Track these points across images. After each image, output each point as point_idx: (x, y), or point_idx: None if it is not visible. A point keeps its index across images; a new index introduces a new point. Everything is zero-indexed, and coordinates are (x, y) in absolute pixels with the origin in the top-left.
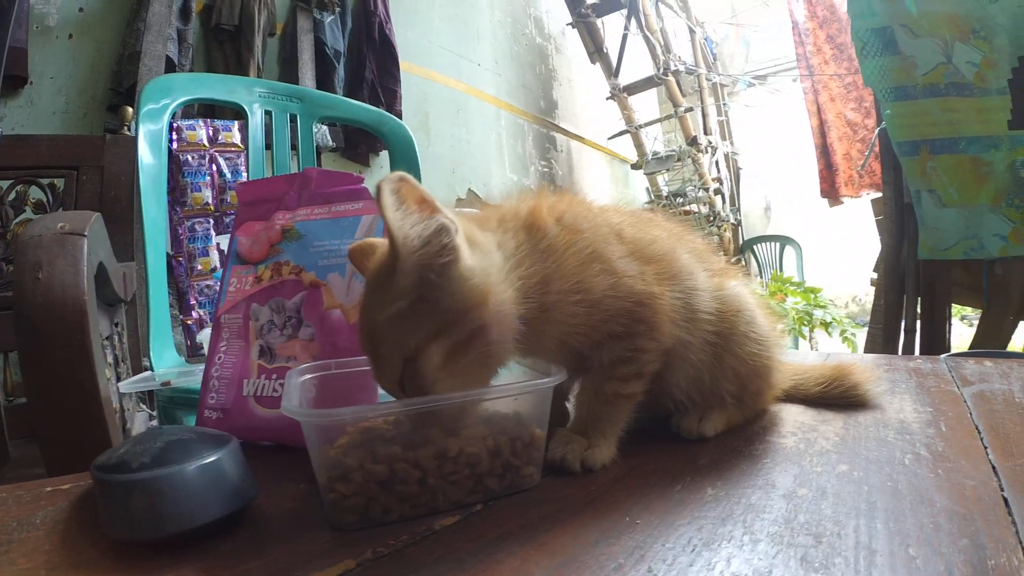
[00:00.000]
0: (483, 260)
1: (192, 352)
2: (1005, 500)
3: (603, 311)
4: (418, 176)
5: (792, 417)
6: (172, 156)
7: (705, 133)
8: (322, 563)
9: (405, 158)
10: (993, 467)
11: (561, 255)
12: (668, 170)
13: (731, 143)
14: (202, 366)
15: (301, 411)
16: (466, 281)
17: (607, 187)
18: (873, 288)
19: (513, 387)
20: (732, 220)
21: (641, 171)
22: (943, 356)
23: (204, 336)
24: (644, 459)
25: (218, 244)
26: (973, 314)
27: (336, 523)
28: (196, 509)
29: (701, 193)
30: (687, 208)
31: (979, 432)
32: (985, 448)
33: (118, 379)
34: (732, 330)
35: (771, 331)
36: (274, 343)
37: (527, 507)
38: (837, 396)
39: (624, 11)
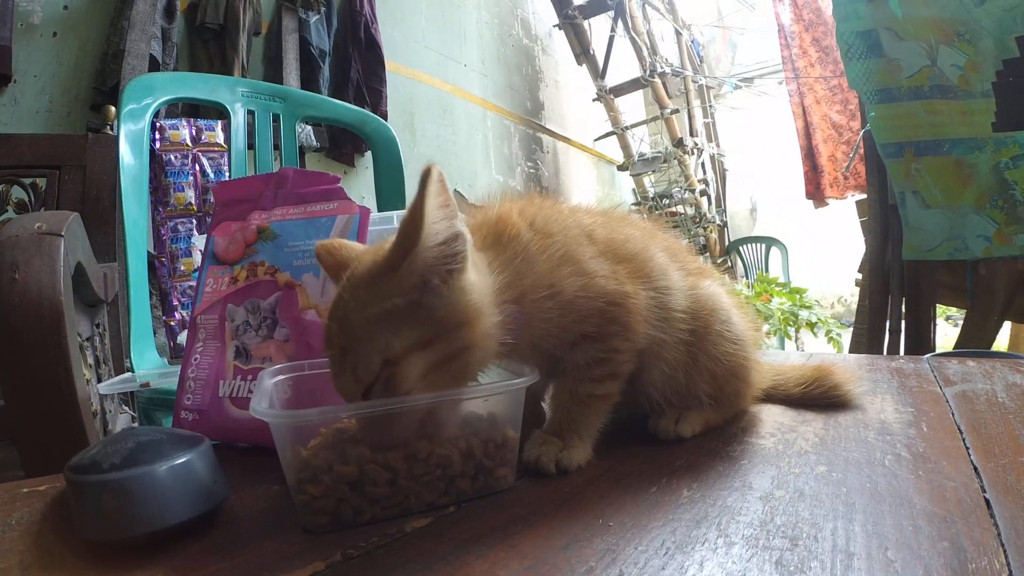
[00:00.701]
0: (480, 279)
1: (175, 353)
2: (987, 501)
3: (575, 312)
4: (402, 177)
5: (772, 418)
6: (155, 156)
7: (691, 135)
8: (291, 564)
9: (389, 159)
10: (975, 468)
11: (534, 262)
12: (654, 172)
13: (717, 145)
14: None
15: (269, 412)
16: (464, 295)
17: (593, 188)
18: (858, 289)
19: (486, 388)
20: (718, 221)
21: (627, 172)
22: (926, 356)
23: (184, 338)
24: (620, 460)
25: (196, 245)
26: (958, 314)
27: (307, 525)
28: (166, 510)
29: (687, 195)
30: (673, 209)
31: (961, 432)
32: (967, 448)
33: (100, 380)
34: (707, 329)
35: (748, 331)
36: (250, 344)
37: (500, 509)
38: (818, 396)
39: (611, 13)
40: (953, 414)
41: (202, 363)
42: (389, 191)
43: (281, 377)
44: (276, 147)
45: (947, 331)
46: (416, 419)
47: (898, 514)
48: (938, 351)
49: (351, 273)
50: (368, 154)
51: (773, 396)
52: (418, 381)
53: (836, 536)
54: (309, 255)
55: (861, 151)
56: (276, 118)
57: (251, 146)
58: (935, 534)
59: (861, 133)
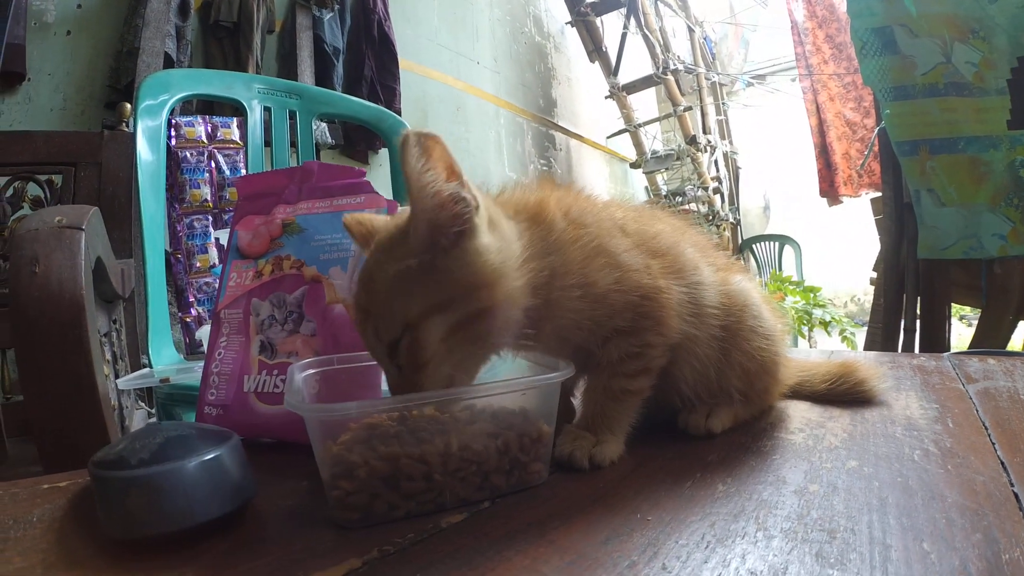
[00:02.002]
0: (502, 243)
1: (191, 349)
2: (1015, 495)
3: (608, 306)
4: None
5: (799, 414)
6: (171, 153)
7: (704, 132)
8: (325, 562)
9: None
10: (1002, 463)
11: (566, 250)
12: (667, 169)
13: (730, 142)
14: (201, 363)
15: (305, 406)
16: (479, 256)
17: (606, 186)
18: (872, 287)
19: (521, 382)
20: (731, 219)
21: (640, 170)
22: (946, 354)
23: (204, 333)
24: (651, 456)
25: (217, 239)
26: (971, 314)
27: (339, 521)
28: (195, 507)
29: (700, 192)
30: (686, 207)
31: (986, 428)
32: (993, 444)
33: (116, 376)
34: (739, 325)
35: (778, 326)
36: (275, 338)
37: (535, 504)
38: (843, 393)
39: (623, 10)
40: (977, 410)
41: (226, 358)
42: (405, 188)
43: (310, 371)
44: (292, 144)
45: (960, 331)
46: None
47: (931, 507)
48: (953, 351)
49: (376, 240)
50: (382, 151)
51: (799, 392)
52: (440, 344)
53: (872, 529)
54: (336, 249)
55: (876, 149)
56: (292, 115)
57: (267, 143)
58: (968, 526)
59: (876, 131)
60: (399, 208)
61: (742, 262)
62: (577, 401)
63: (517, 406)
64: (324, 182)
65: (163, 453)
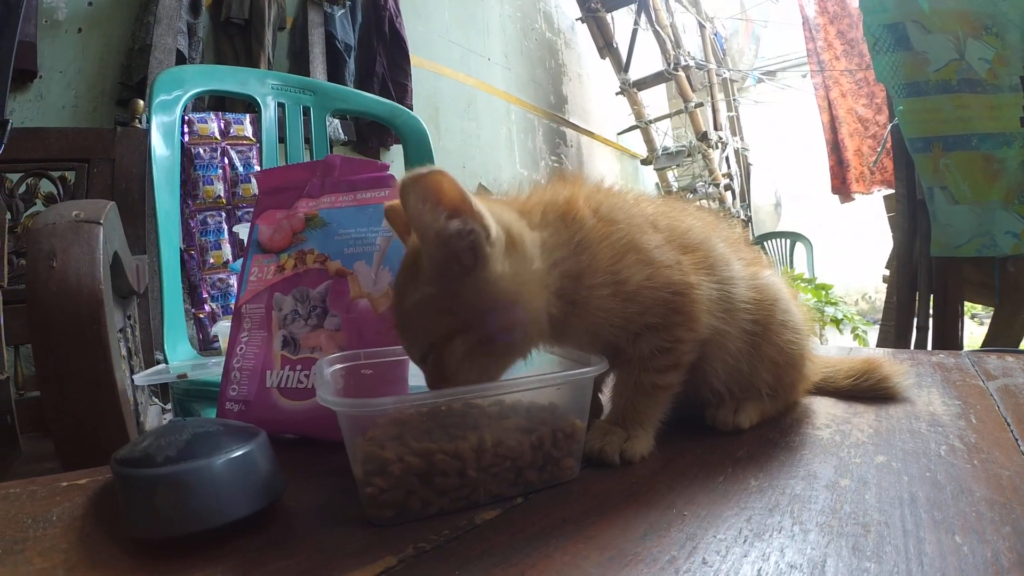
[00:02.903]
0: (520, 266)
1: (204, 346)
2: None
3: (639, 303)
4: None
5: (824, 409)
6: (184, 149)
7: (715, 129)
8: (359, 560)
9: (419, 151)
10: None
11: (595, 248)
12: (678, 166)
13: (741, 139)
14: (216, 359)
15: (340, 401)
16: (493, 285)
17: (617, 182)
18: (885, 285)
19: (556, 376)
20: (742, 216)
21: (651, 166)
22: (964, 352)
23: (219, 328)
24: (680, 451)
25: (237, 233)
26: (982, 312)
27: (372, 518)
28: (225, 505)
29: (711, 189)
30: (697, 204)
31: (1008, 424)
32: (1016, 440)
33: (131, 373)
34: (770, 319)
35: (805, 321)
36: (298, 333)
37: (568, 500)
38: (867, 389)
39: (634, 6)
40: (998, 407)
41: (247, 353)
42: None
43: (337, 366)
44: (306, 140)
45: (972, 330)
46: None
47: (960, 501)
48: (965, 349)
49: (404, 256)
50: (394, 148)
51: (823, 389)
52: (463, 360)
53: (905, 522)
54: (360, 243)
55: (888, 145)
56: (306, 111)
57: (281, 139)
58: (997, 519)
59: (889, 127)
60: None
61: (765, 257)
62: (604, 397)
63: (547, 401)
64: (347, 176)
65: (190, 450)
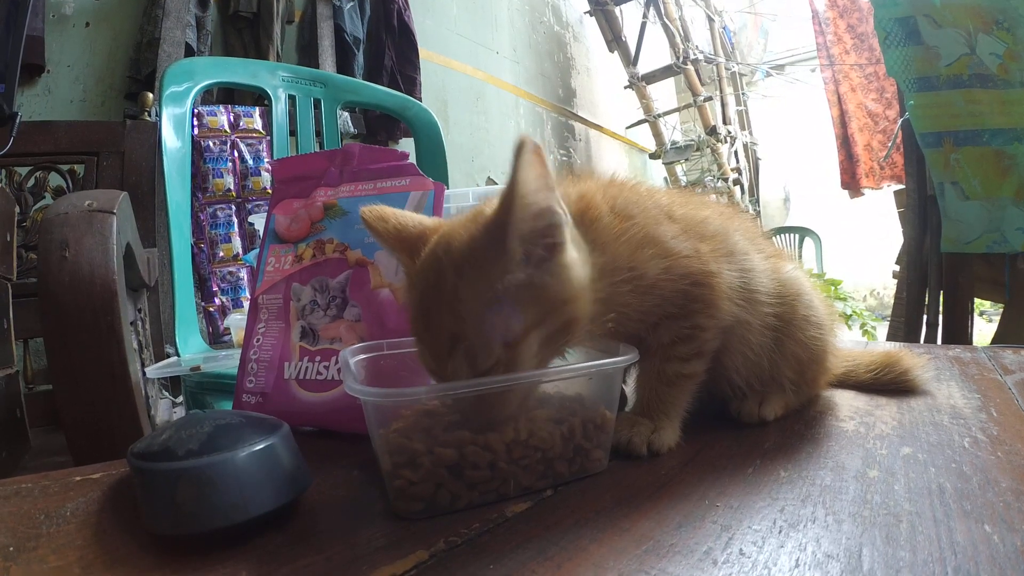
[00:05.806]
0: (578, 254)
1: (214, 338)
2: None
3: (657, 295)
4: (444, 161)
5: (846, 402)
6: (193, 142)
7: (724, 123)
8: (390, 555)
9: (430, 144)
10: None
11: (612, 244)
12: (687, 160)
13: (750, 133)
14: (227, 351)
15: (369, 390)
16: (568, 271)
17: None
18: (894, 281)
19: (588, 366)
20: (751, 211)
21: (660, 161)
22: (980, 347)
23: (231, 321)
24: (707, 443)
25: (253, 224)
26: (992, 309)
27: (401, 511)
28: (249, 500)
29: (720, 183)
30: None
31: None
32: None
33: (142, 366)
34: (792, 314)
35: (828, 316)
36: (317, 324)
37: (599, 492)
38: (888, 382)
39: None
40: (1017, 400)
41: (264, 344)
42: (431, 175)
43: (360, 357)
44: (317, 133)
45: (980, 326)
46: (522, 395)
47: (987, 492)
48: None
49: (448, 250)
50: (403, 141)
51: (844, 382)
52: (534, 359)
53: (935, 511)
54: None
55: (899, 140)
56: (317, 104)
57: (292, 132)
58: None
59: (899, 122)
60: (446, 191)
61: (786, 251)
62: (628, 388)
63: (574, 392)
64: (366, 165)
65: (212, 443)
